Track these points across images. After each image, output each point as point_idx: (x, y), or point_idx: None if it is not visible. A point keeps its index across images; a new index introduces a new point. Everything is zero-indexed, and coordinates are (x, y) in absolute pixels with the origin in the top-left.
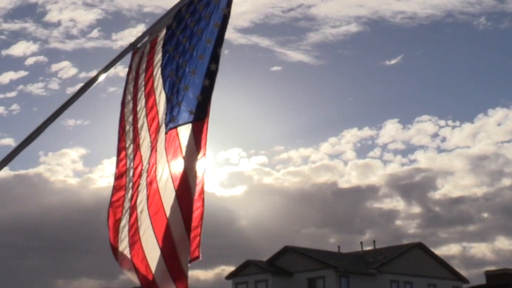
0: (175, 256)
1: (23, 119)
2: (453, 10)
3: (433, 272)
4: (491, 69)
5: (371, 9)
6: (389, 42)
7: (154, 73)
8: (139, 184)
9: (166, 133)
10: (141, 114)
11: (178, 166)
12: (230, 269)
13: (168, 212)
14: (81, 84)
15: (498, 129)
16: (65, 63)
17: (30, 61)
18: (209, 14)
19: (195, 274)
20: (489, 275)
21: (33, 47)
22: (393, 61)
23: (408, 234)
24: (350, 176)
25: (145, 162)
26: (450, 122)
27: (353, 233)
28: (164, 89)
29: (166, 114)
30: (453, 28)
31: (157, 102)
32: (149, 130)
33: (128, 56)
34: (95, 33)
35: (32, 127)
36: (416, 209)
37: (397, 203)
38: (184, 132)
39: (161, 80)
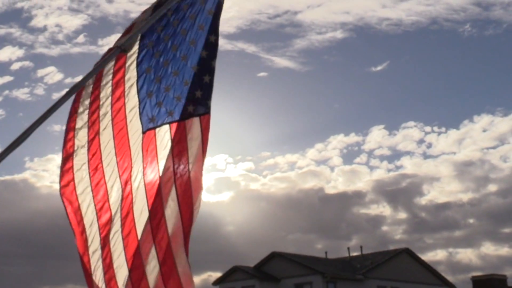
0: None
1: (9, 124)
2: (438, 17)
3: (420, 277)
4: (476, 75)
5: (356, 15)
6: (375, 49)
7: (127, 65)
8: (106, 188)
9: (143, 132)
10: (105, 102)
11: (154, 171)
12: (216, 275)
13: (140, 230)
14: (67, 90)
15: (484, 135)
16: (51, 69)
17: (15, 66)
18: (194, 15)
19: None
20: (475, 280)
21: (18, 52)
22: (379, 68)
23: (395, 239)
24: (336, 182)
25: (105, 153)
26: (436, 128)
27: (340, 239)
28: (137, 84)
29: (141, 113)
30: (438, 35)
31: (125, 94)
32: (112, 120)
33: None
34: (81, 38)
35: (18, 133)
36: (403, 215)
37: (383, 209)
38: (162, 133)
39: (134, 73)
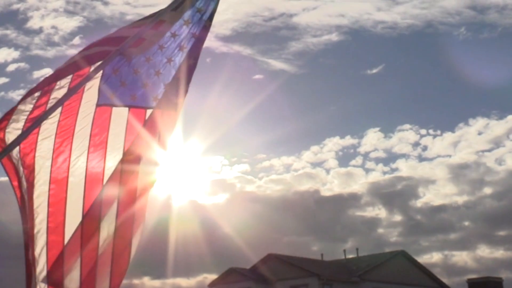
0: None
1: None
2: (433, 20)
3: (415, 280)
4: (471, 79)
5: (352, 18)
6: (371, 52)
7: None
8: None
9: (98, 105)
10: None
11: (99, 157)
12: (212, 277)
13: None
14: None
15: (479, 138)
16: (47, 70)
17: (11, 67)
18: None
19: (177, 282)
20: (471, 283)
21: (14, 53)
22: (374, 71)
23: (390, 242)
24: (332, 184)
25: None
26: (431, 131)
27: (335, 241)
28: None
29: (100, 85)
30: (434, 38)
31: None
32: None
33: None
34: (76, 40)
35: None
36: (398, 217)
37: (379, 211)
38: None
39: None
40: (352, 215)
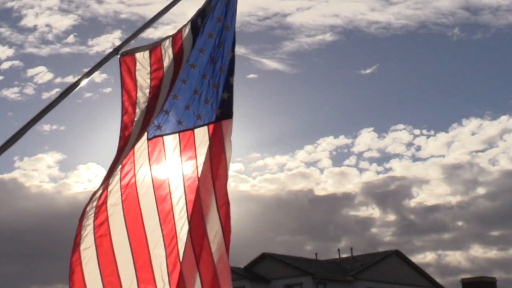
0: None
1: None
2: (427, 21)
3: (410, 279)
4: (464, 79)
5: (346, 18)
6: (364, 52)
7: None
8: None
9: (150, 139)
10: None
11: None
12: None
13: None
14: (57, 89)
15: (472, 138)
16: (41, 68)
17: (5, 65)
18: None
19: None
20: (465, 282)
21: (8, 51)
22: (368, 71)
23: (384, 241)
24: (326, 184)
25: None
26: (425, 131)
27: (329, 241)
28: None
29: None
30: (427, 39)
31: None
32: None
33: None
34: (71, 38)
35: (7, 132)
36: (392, 217)
37: (372, 211)
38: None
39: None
40: (345, 214)
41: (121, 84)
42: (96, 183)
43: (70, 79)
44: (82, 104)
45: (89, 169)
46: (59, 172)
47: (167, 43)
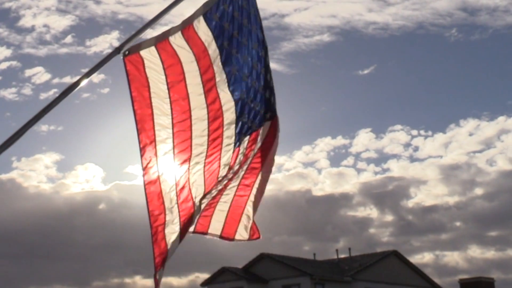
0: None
1: None
2: (425, 22)
3: (408, 280)
4: (462, 80)
5: (343, 19)
6: (362, 52)
7: (214, 67)
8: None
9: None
10: (198, 102)
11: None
12: (204, 276)
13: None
14: (55, 90)
15: (470, 139)
16: (39, 69)
17: (3, 66)
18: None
19: (169, 280)
20: (463, 283)
21: (6, 52)
22: (366, 71)
23: (382, 242)
24: (324, 184)
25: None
26: (422, 132)
27: (327, 241)
28: (229, 87)
29: (241, 118)
30: (425, 40)
31: (220, 97)
32: (209, 122)
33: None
34: (68, 39)
35: (5, 132)
36: (389, 218)
37: (370, 211)
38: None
39: (224, 76)
40: (343, 215)
41: (129, 82)
42: (94, 183)
43: (68, 80)
44: (79, 104)
45: (86, 169)
46: (57, 173)
47: (177, 38)
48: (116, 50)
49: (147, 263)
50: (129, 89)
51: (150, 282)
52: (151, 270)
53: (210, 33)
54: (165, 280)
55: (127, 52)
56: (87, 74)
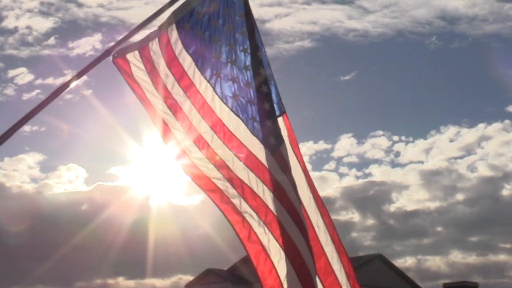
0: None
1: None
2: (404, 29)
3: (392, 284)
4: (442, 87)
5: (323, 26)
6: (343, 59)
7: (189, 74)
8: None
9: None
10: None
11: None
12: (187, 278)
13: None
14: (38, 91)
15: (450, 145)
16: (21, 69)
17: None
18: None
19: (151, 282)
20: (447, 287)
21: None
22: (347, 77)
23: (364, 246)
24: None
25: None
26: (403, 138)
27: None
28: (215, 90)
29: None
30: (405, 47)
31: (208, 101)
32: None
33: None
34: (51, 40)
35: None
36: (371, 222)
37: (352, 215)
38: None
39: (205, 82)
40: None
41: (126, 82)
42: (77, 183)
43: (51, 81)
44: (62, 105)
45: (69, 170)
46: (40, 173)
47: (154, 44)
48: (107, 52)
49: (131, 264)
50: (129, 86)
51: (133, 283)
52: (134, 271)
53: (179, 42)
54: (148, 281)
55: (116, 54)
56: (78, 76)
